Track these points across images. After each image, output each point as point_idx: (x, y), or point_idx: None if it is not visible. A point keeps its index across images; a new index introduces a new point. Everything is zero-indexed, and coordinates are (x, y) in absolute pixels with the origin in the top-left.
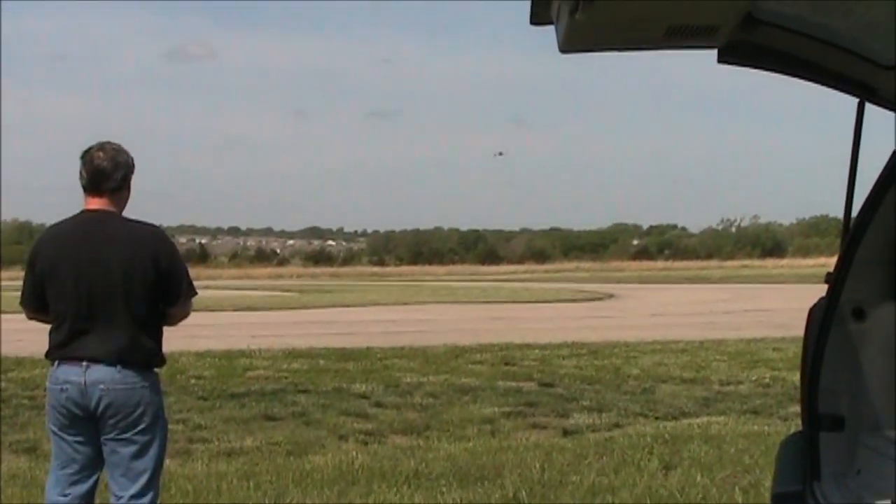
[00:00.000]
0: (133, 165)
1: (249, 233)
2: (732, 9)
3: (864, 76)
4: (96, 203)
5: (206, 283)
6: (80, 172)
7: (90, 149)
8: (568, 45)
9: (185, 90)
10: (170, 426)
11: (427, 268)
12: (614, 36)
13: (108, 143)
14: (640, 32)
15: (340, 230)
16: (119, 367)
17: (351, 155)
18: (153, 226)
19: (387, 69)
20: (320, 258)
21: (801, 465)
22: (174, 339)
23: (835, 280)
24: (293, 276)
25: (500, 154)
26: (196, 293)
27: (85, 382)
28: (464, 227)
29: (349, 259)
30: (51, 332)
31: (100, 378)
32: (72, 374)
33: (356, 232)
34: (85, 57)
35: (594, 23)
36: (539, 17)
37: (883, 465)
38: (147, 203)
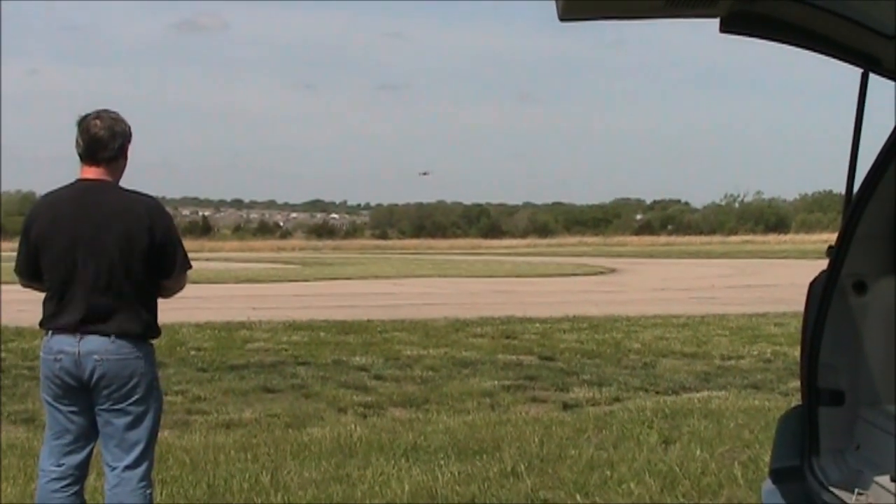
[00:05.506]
0: (130, 134)
1: (253, 205)
2: None
3: (868, 46)
4: (92, 172)
5: (209, 256)
6: (77, 140)
7: (86, 116)
8: (567, 13)
9: (193, 62)
10: (169, 397)
11: (430, 241)
12: (613, 4)
13: (106, 111)
14: (639, 1)
15: (344, 203)
16: (113, 338)
17: (356, 128)
18: (149, 197)
19: (395, 43)
20: (323, 231)
21: (799, 440)
22: (175, 310)
23: (836, 253)
24: (295, 248)
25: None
26: (191, 266)
27: (79, 353)
28: (467, 202)
29: (352, 232)
30: (45, 302)
31: (94, 348)
32: (65, 343)
33: (359, 205)
34: (93, 27)
35: None
36: None
37: (882, 441)
38: (151, 175)
